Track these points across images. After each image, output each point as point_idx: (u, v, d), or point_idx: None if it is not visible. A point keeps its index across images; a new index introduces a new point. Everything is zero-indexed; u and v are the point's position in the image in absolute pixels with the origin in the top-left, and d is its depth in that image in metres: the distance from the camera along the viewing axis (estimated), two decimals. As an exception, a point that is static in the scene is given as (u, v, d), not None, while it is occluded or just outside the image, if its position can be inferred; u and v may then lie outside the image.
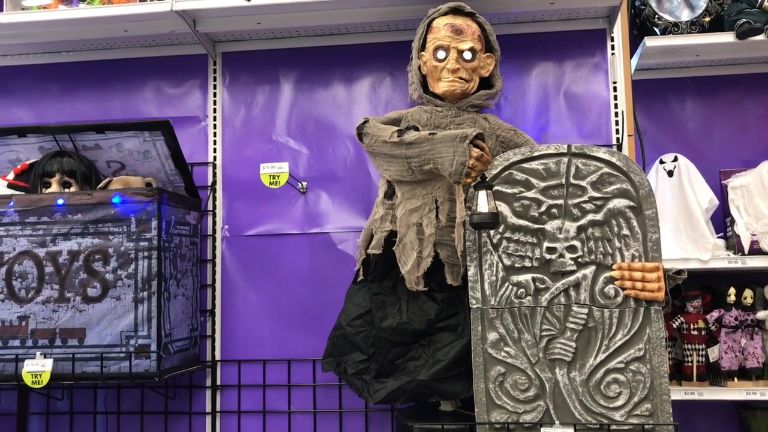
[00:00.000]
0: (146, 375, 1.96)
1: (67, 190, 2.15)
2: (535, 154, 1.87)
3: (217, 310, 2.36)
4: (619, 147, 2.26)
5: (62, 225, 2.02)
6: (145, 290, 1.98)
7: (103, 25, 2.31)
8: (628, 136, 2.26)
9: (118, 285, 1.99)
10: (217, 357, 2.34)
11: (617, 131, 2.29)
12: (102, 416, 2.37)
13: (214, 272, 2.38)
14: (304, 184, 2.38)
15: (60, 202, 2.03)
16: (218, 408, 2.33)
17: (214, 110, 2.45)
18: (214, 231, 2.39)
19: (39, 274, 2.03)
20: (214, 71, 2.47)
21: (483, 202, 1.74)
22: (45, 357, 1.98)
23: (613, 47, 2.33)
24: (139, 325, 1.97)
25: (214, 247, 2.39)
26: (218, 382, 2.33)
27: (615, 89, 2.31)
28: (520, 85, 2.34)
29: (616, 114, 2.30)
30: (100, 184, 2.16)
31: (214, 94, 2.46)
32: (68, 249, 2.02)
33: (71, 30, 2.35)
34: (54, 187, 2.14)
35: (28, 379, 1.96)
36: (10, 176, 2.18)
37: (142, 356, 1.96)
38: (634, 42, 2.52)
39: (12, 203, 2.05)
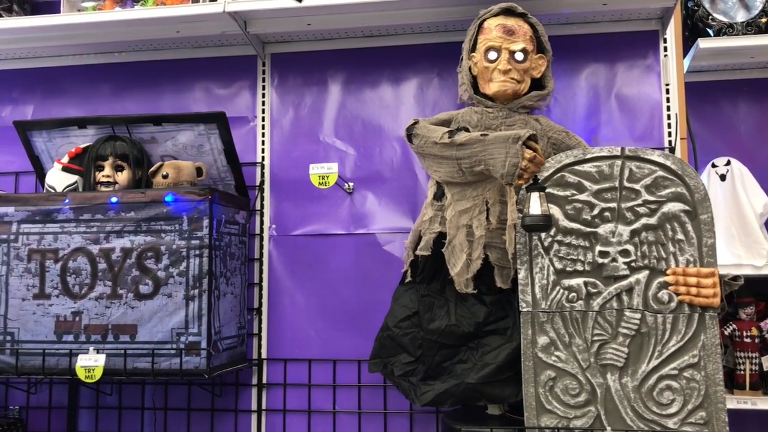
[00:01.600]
0: (196, 372, 1.99)
1: (119, 173, 2.19)
2: (588, 156, 1.85)
3: (264, 309, 2.38)
4: (672, 150, 2.22)
5: (116, 222, 2.06)
6: (196, 288, 2.00)
7: (156, 26, 2.34)
8: (681, 139, 2.22)
9: (170, 282, 2.01)
10: (264, 355, 2.36)
11: (669, 134, 2.25)
12: (149, 412, 2.40)
13: (261, 271, 2.39)
14: (351, 184, 2.39)
15: (114, 200, 2.06)
16: (264, 406, 2.34)
17: (263, 111, 2.47)
18: (262, 230, 2.41)
19: (92, 270, 2.06)
20: (263, 72, 2.49)
21: (535, 205, 1.72)
22: (98, 352, 2.02)
23: (665, 49, 2.29)
24: (190, 323, 2.00)
25: (261, 246, 2.41)
26: (264, 381, 2.35)
27: (668, 91, 2.27)
28: (570, 87, 2.32)
29: (669, 117, 2.26)
30: (152, 168, 2.21)
31: (263, 95, 2.48)
32: (121, 246, 2.05)
33: (124, 31, 2.39)
34: (107, 171, 2.18)
35: (81, 374, 1.99)
36: (65, 159, 2.23)
37: (193, 353, 1.99)
38: (685, 43, 2.47)
39: (67, 200, 2.09)
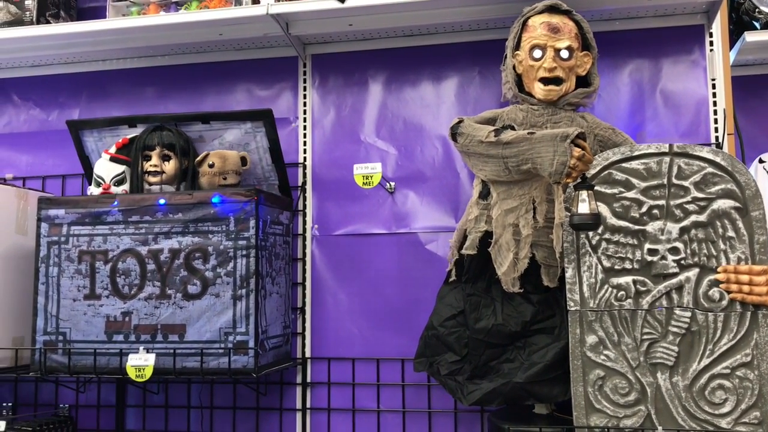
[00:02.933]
0: (244, 371, 2.01)
1: (166, 163, 2.23)
2: (636, 153, 1.83)
3: (308, 308, 2.40)
4: (719, 146, 2.19)
5: (164, 224, 2.09)
6: (243, 288, 2.03)
7: (199, 29, 2.37)
8: (728, 134, 2.19)
9: (218, 282, 2.04)
10: (308, 354, 2.38)
11: (716, 130, 2.22)
12: (196, 410, 2.44)
13: (304, 271, 2.41)
14: (392, 184, 2.39)
15: (162, 201, 2.09)
16: (308, 405, 2.36)
17: (304, 112, 2.49)
18: (305, 230, 2.43)
19: (141, 271, 2.09)
20: (304, 73, 2.51)
21: (584, 203, 1.71)
22: (147, 352, 2.05)
23: (711, 43, 2.26)
24: (238, 322, 2.02)
25: (304, 246, 2.42)
26: (308, 379, 2.37)
27: (714, 86, 2.24)
28: (614, 83, 2.30)
29: (715, 112, 2.23)
30: (198, 158, 2.24)
31: (304, 96, 2.49)
32: (169, 247, 2.08)
33: (169, 34, 2.42)
34: (154, 160, 2.22)
35: (132, 373, 2.02)
36: (112, 150, 2.27)
37: (240, 352, 2.01)
38: (731, 37, 2.43)
39: (116, 203, 2.13)
